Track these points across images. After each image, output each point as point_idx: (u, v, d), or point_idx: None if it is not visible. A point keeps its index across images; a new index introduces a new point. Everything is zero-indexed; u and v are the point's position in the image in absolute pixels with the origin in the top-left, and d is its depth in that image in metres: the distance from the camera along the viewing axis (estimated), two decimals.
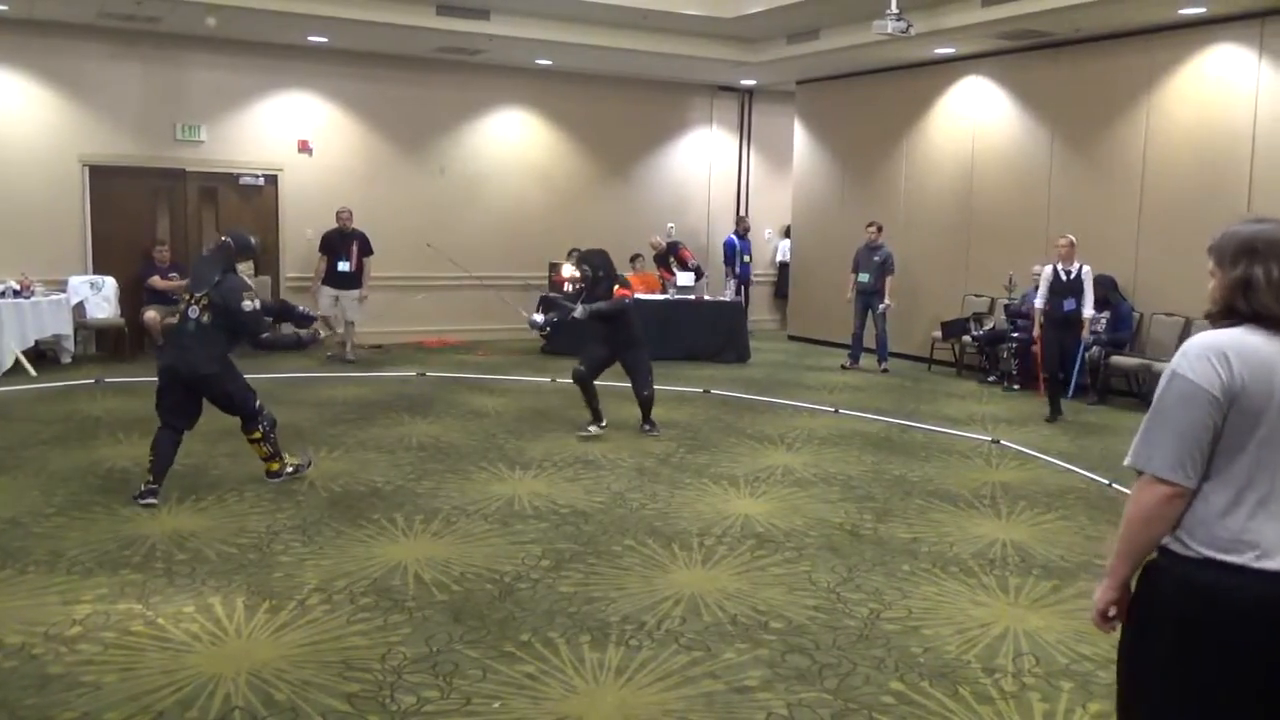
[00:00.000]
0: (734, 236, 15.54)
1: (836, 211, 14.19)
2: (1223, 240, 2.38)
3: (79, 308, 11.35)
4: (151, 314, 11.50)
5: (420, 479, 6.72)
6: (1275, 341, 2.27)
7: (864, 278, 12.03)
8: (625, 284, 8.11)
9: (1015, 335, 10.89)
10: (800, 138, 14.94)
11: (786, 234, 16.05)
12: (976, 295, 12.16)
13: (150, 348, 11.81)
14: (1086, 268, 9.19)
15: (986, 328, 11.45)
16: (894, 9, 9.62)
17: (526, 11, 11.63)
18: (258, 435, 6.37)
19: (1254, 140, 9.56)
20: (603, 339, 8.06)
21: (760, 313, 16.04)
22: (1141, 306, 10.42)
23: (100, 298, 11.55)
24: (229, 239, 6.39)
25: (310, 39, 12.28)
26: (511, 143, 14.32)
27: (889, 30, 9.67)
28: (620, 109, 14.86)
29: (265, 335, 6.36)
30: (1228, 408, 2.22)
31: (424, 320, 13.27)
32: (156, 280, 11.62)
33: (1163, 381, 2.31)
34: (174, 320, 11.58)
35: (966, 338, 11.67)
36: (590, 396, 8.07)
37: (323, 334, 7.17)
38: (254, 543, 5.37)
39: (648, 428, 8.18)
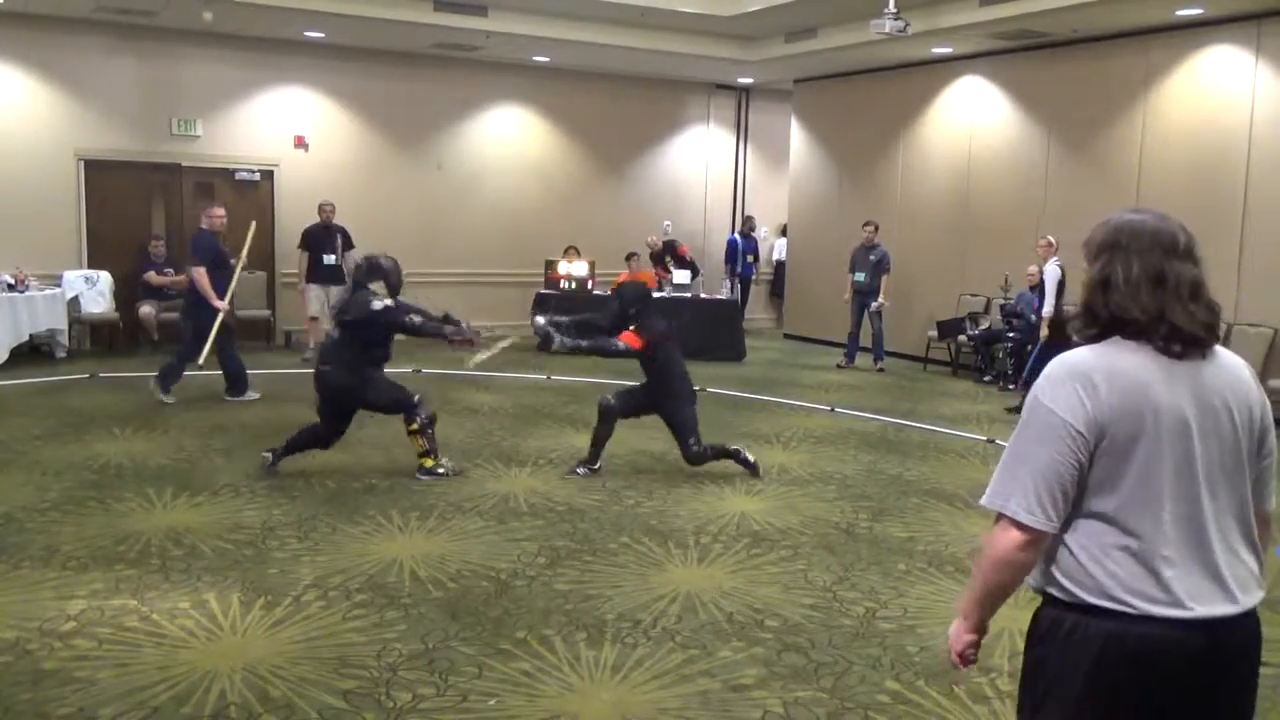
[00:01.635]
0: (737, 236, 15.54)
1: (833, 210, 14.19)
2: (1093, 232, 2.13)
3: (74, 302, 11.32)
4: (146, 309, 11.48)
5: (415, 476, 6.70)
6: (1146, 356, 2.00)
7: (860, 277, 12.04)
8: (647, 330, 6.68)
9: (1011, 335, 10.91)
10: (797, 136, 14.94)
11: (783, 233, 16.05)
12: (972, 295, 12.17)
13: (145, 343, 11.80)
14: (1049, 268, 9.55)
15: (982, 327, 11.47)
16: (892, 8, 9.62)
17: (524, 8, 11.61)
18: (414, 428, 6.57)
19: (1250, 141, 9.58)
20: (646, 381, 6.92)
21: (756, 311, 16.04)
22: None
23: (95, 292, 11.52)
24: (361, 261, 6.71)
25: (307, 34, 12.25)
26: (509, 140, 14.30)
27: (887, 29, 9.67)
28: (618, 106, 14.85)
29: (415, 320, 6.44)
30: (1095, 441, 1.96)
31: None
32: (152, 275, 11.59)
33: (1025, 410, 2.06)
34: (171, 315, 11.67)
35: (962, 337, 11.68)
36: (601, 434, 6.92)
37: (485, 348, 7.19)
38: (249, 539, 5.36)
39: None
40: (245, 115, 12.67)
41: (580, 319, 7.03)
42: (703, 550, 5.42)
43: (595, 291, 12.62)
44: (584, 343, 6.88)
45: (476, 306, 13.10)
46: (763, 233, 16.29)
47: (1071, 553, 2.01)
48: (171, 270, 11.73)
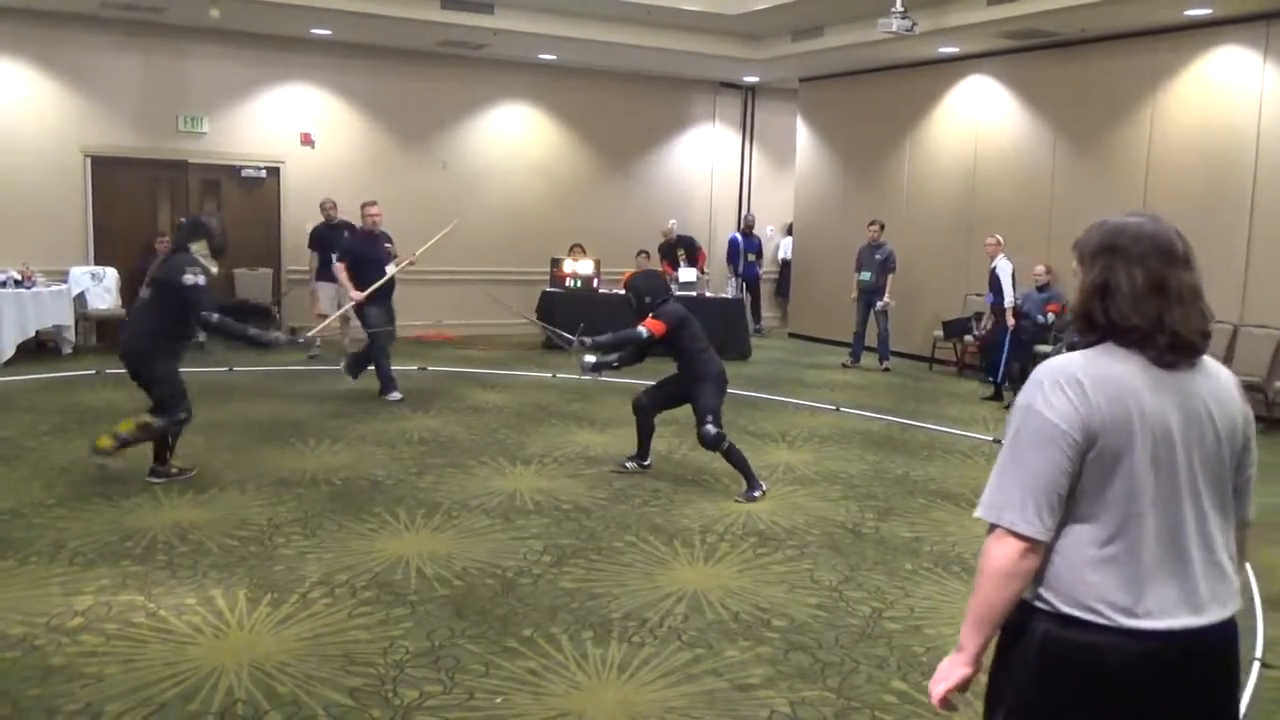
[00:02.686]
0: (739, 235, 15.52)
1: (838, 209, 14.17)
2: (1085, 234, 2.08)
3: (80, 298, 11.33)
4: None
5: (422, 473, 6.71)
6: (1135, 363, 1.97)
7: (865, 276, 12.03)
8: (666, 316, 6.53)
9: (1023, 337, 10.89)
10: (803, 135, 14.92)
11: (788, 232, 16.04)
12: (978, 295, 12.13)
13: None
14: (1001, 263, 10.32)
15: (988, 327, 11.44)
16: (899, 7, 9.60)
17: (530, 6, 11.61)
18: (147, 420, 6.06)
19: (1258, 142, 9.55)
20: (677, 369, 6.75)
21: (762, 310, 16.02)
22: None
23: (101, 289, 11.53)
24: (185, 220, 6.32)
25: (314, 31, 12.25)
26: (514, 137, 14.30)
27: (894, 28, 9.66)
28: (623, 105, 14.85)
29: (213, 316, 6.00)
30: (1087, 447, 1.94)
31: (424, 314, 13.26)
32: None
33: (1016, 417, 2.01)
34: None
35: (968, 337, 11.66)
36: (642, 430, 6.88)
37: (296, 338, 6.85)
38: (255, 535, 5.37)
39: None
40: (251, 112, 12.68)
41: (613, 339, 6.69)
42: (709, 549, 5.42)
43: (601, 290, 12.62)
44: (616, 351, 6.72)
45: (480, 304, 13.14)
46: (768, 231, 16.27)
47: (1050, 560, 1.99)
48: None
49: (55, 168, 11.67)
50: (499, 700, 3.69)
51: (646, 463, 6.96)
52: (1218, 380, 2.07)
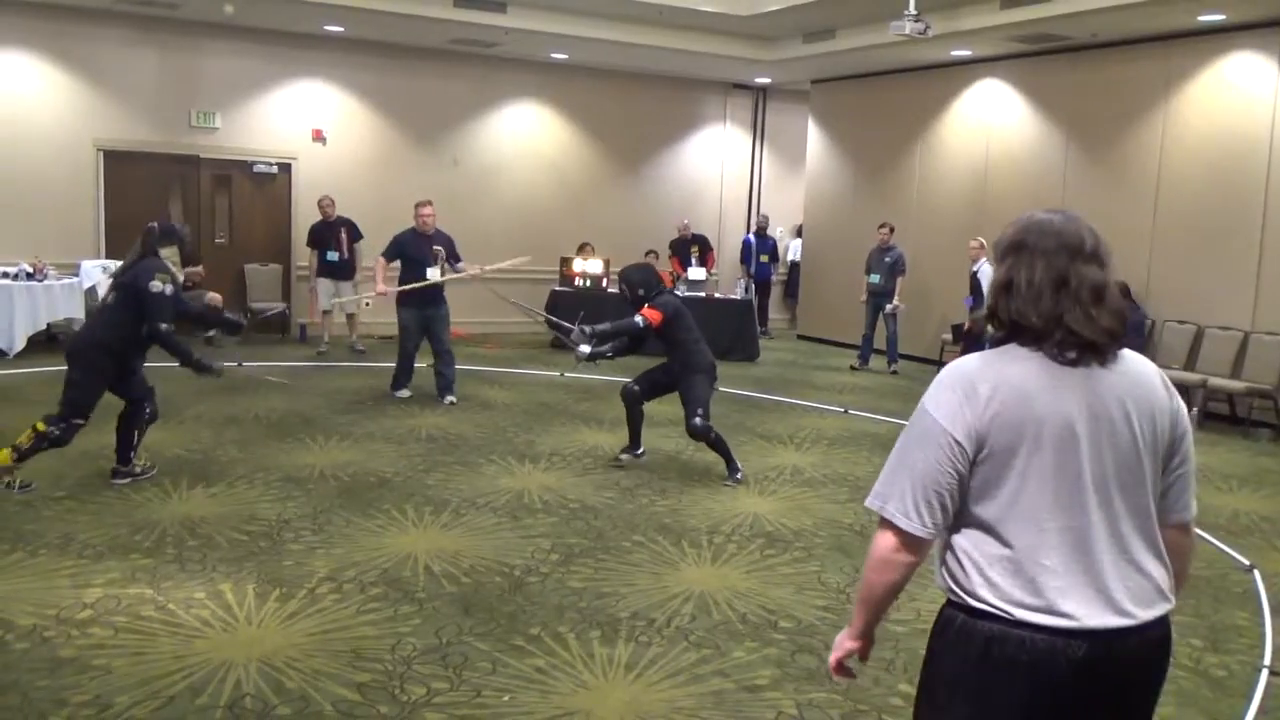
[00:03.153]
0: (752, 236, 15.52)
1: (849, 212, 14.16)
2: (1002, 233, 2.07)
3: (91, 291, 11.34)
4: None
5: (430, 470, 6.72)
6: (1035, 362, 1.95)
7: (875, 279, 12.02)
8: (661, 306, 6.73)
9: None
10: (814, 137, 14.92)
11: (798, 233, 16.03)
12: None
13: None
14: (982, 268, 10.50)
15: (960, 324, 11.42)
16: (912, 10, 9.59)
17: (543, 5, 11.62)
18: (41, 428, 5.75)
19: (1271, 148, 9.51)
20: (667, 360, 6.95)
21: (771, 311, 16.01)
22: (1154, 313, 10.39)
23: None
24: (154, 224, 6.12)
25: (326, 28, 12.28)
26: (525, 136, 14.32)
27: (907, 31, 9.64)
28: (634, 104, 14.85)
29: (164, 327, 5.78)
30: (974, 450, 1.93)
31: None
32: None
33: (914, 414, 2.04)
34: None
35: (945, 338, 11.65)
36: (632, 419, 7.06)
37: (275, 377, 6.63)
38: (264, 530, 5.38)
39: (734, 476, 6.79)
40: (264, 108, 12.71)
41: (611, 328, 6.87)
42: (716, 550, 5.42)
43: (610, 290, 12.62)
44: (613, 340, 6.89)
45: (489, 302, 13.15)
46: (778, 233, 16.27)
47: (957, 557, 2.02)
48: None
49: (68, 161, 11.72)
50: (506, 698, 3.69)
51: (640, 451, 7.13)
52: (1136, 377, 2.01)
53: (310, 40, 12.69)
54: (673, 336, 6.75)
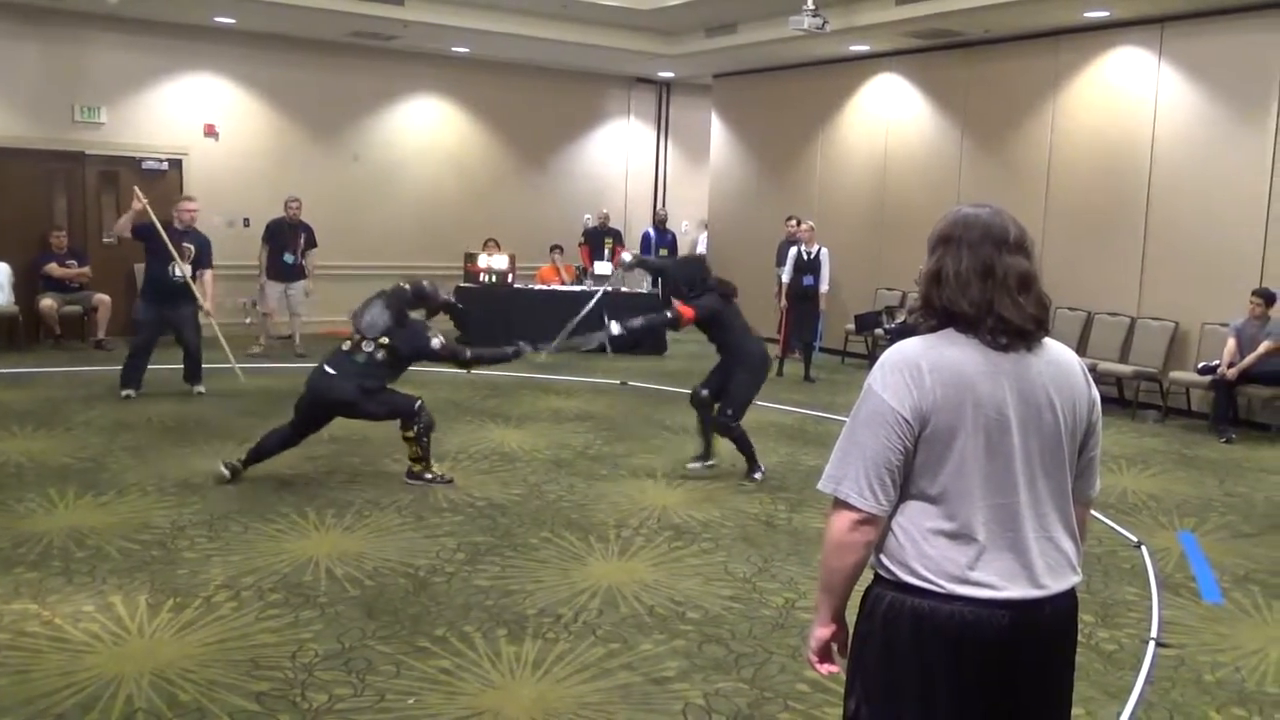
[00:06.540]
0: (651, 230, 15.55)
1: (753, 205, 14.30)
2: (933, 227, 2.18)
3: None
4: (48, 302, 11.11)
5: (332, 472, 6.59)
6: (971, 347, 2.06)
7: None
8: (695, 306, 6.68)
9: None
10: (717, 131, 15.02)
11: (706, 226, 16.12)
12: (889, 289, 12.37)
13: (46, 337, 11.39)
14: (824, 250, 11.13)
15: (898, 321, 11.65)
16: (810, 5, 9.72)
17: None
18: (410, 434, 6.33)
19: (1153, 140, 9.88)
20: (720, 359, 6.92)
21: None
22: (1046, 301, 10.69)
23: None
24: (406, 285, 6.52)
25: (216, 20, 11.93)
26: (427, 131, 14.12)
27: (805, 26, 9.77)
28: (538, 99, 14.76)
29: (469, 354, 6.61)
30: (919, 428, 2.03)
31: (330, 310, 13.00)
32: (54, 267, 11.22)
33: (860, 397, 2.11)
34: (74, 308, 11.25)
35: (879, 330, 11.86)
36: (704, 424, 6.93)
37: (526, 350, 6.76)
38: (157, 539, 5.21)
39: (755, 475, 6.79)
40: (152, 103, 12.30)
41: (645, 323, 6.87)
42: (624, 544, 5.42)
43: (515, 285, 12.54)
44: (637, 322, 6.76)
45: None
46: (684, 227, 16.34)
47: (893, 533, 2.09)
48: (74, 262, 11.38)
49: None
50: (411, 701, 3.63)
51: (711, 462, 6.94)
52: (1060, 365, 2.13)
53: (201, 32, 12.31)
54: (714, 336, 6.84)
